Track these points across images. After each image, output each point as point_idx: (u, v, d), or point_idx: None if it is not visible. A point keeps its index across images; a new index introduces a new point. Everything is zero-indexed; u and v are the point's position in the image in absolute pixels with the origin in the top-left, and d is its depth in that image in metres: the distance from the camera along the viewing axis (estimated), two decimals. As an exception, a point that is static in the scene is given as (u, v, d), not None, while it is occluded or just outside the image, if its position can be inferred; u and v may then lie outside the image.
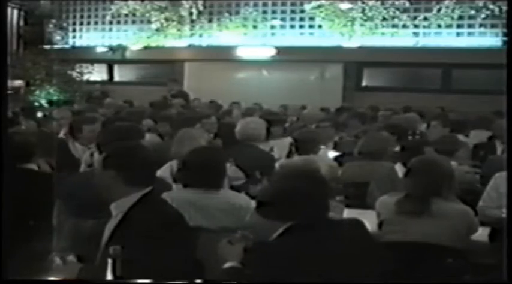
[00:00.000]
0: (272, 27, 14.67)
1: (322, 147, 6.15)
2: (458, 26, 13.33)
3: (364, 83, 14.27)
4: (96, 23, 16.23)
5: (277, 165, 5.37)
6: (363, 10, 13.77)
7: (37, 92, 14.25)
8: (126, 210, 2.75)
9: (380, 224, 3.62)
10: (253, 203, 3.73)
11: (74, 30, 16.43)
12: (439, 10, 13.37)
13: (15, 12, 15.49)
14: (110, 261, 2.31)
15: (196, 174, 3.59)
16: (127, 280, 2.34)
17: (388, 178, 4.82)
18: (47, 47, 15.42)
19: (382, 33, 13.69)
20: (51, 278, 2.60)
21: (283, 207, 2.49)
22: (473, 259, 3.50)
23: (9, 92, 12.99)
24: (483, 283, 3.35)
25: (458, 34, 13.34)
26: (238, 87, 13.85)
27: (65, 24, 16.22)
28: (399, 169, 4.87)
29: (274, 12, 14.65)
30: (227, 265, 2.62)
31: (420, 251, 3.40)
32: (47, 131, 7.20)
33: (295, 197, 2.51)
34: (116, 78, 16.29)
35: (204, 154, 3.77)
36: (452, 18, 13.32)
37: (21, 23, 15.71)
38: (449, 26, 13.35)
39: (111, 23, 16.00)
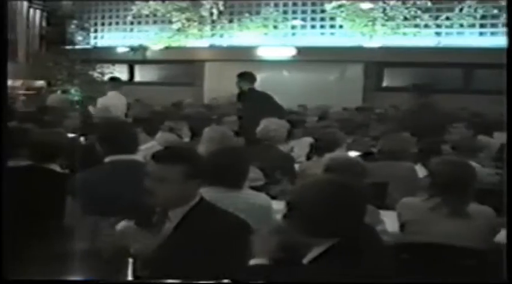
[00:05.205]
0: (293, 27, 14.65)
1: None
2: (481, 26, 13.20)
3: (384, 83, 14.19)
4: (117, 23, 16.32)
5: (297, 166, 5.36)
6: (384, 10, 13.70)
7: (58, 92, 14.36)
8: (183, 214, 2.77)
9: (402, 226, 3.60)
10: (273, 203, 3.74)
11: (96, 31, 16.54)
12: (461, 10, 13.26)
13: (38, 13, 15.64)
14: (130, 261, 2.32)
15: (220, 173, 3.58)
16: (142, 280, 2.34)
17: (407, 178, 4.80)
18: (68, 47, 15.53)
19: (404, 33, 13.61)
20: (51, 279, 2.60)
21: (325, 221, 2.20)
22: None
23: (31, 92, 13.20)
24: (483, 283, 3.31)
25: (481, 34, 13.22)
26: (258, 87, 13.83)
27: (86, 25, 16.32)
28: (419, 169, 4.85)
29: (295, 12, 14.63)
30: (254, 261, 2.36)
31: (444, 252, 3.37)
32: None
33: (340, 210, 2.21)
34: (137, 78, 16.37)
35: (229, 154, 3.75)
36: (475, 17, 13.20)
37: (44, 23, 15.85)
38: (471, 26, 13.24)
39: (132, 23, 16.09)
